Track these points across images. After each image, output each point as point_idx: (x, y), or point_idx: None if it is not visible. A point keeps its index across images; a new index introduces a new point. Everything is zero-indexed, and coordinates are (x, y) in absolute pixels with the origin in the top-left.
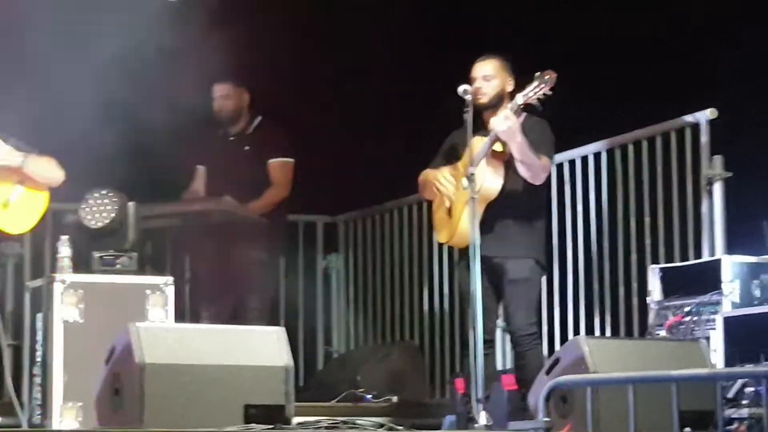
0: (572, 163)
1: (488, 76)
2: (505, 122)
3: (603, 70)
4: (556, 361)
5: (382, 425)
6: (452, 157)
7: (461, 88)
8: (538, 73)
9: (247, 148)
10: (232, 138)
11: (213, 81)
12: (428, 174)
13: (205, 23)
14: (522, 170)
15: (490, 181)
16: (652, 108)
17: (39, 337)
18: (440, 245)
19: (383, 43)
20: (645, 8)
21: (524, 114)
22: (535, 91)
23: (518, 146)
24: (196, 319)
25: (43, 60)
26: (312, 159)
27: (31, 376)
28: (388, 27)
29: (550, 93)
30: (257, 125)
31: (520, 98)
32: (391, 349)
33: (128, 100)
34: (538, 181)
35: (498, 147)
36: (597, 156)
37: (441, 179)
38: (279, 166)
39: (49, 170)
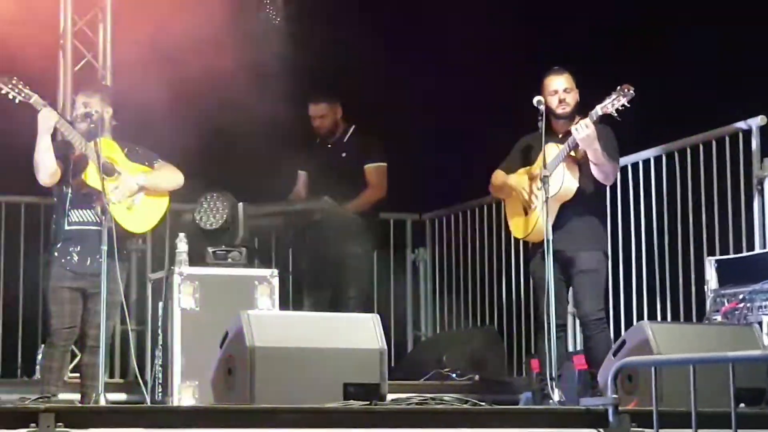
0: (636, 165)
1: (568, 88)
2: (585, 130)
3: (664, 84)
4: (623, 344)
5: (466, 401)
6: (526, 157)
7: (536, 99)
8: (618, 86)
9: (343, 155)
10: (329, 146)
11: (309, 97)
12: (502, 177)
13: (298, 37)
14: (597, 173)
15: (568, 182)
16: (708, 115)
17: (160, 323)
18: (515, 239)
19: (465, 50)
20: (703, 21)
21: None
22: (613, 102)
23: (595, 153)
24: (298, 307)
25: (159, 70)
26: (400, 162)
27: (153, 357)
28: (470, 33)
29: (627, 105)
30: (351, 133)
31: (599, 109)
32: (473, 333)
33: (238, 114)
34: (610, 182)
35: (572, 152)
36: (658, 159)
37: (520, 188)
38: (374, 170)
39: (168, 181)
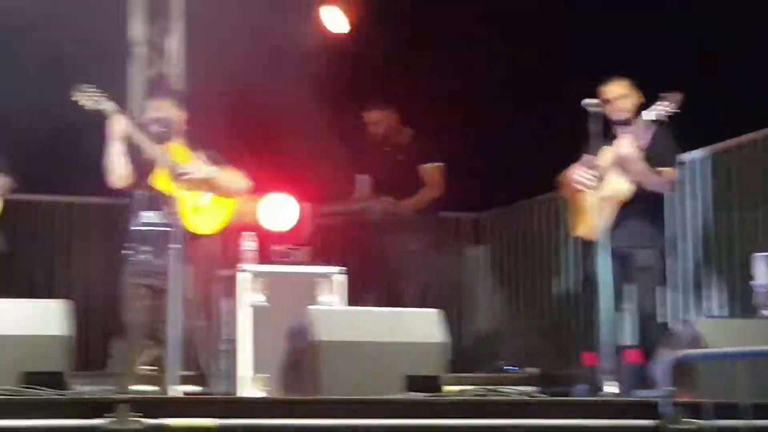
0: (685, 165)
1: (623, 95)
2: (627, 148)
3: (712, 85)
4: (675, 338)
5: (522, 393)
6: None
7: (585, 102)
8: (665, 93)
9: (402, 157)
10: (388, 149)
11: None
12: (567, 174)
13: (358, 43)
14: (646, 186)
15: (624, 183)
16: (755, 115)
17: (228, 318)
18: (571, 236)
19: (523, 51)
20: (750, 22)
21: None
22: (660, 109)
23: (636, 173)
24: (360, 303)
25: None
26: (460, 162)
27: (223, 351)
28: (528, 34)
29: (675, 111)
30: (409, 137)
31: (646, 114)
32: (529, 327)
33: (302, 119)
34: (664, 191)
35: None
36: (707, 159)
37: (578, 176)
38: (432, 170)
39: (235, 182)
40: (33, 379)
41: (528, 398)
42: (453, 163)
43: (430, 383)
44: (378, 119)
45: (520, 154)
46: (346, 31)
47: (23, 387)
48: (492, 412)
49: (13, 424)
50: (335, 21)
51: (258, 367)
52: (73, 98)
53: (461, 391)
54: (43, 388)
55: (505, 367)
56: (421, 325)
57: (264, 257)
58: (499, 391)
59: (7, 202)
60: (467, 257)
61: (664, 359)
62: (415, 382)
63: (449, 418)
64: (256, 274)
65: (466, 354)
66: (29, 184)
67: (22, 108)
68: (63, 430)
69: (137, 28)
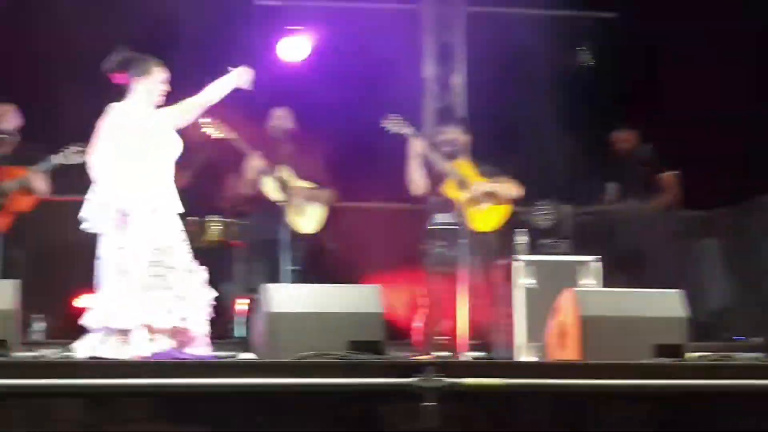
0: None
1: None
2: None
3: None
4: None
5: (749, 359)
6: None
7: None
8: None
9: (643, 168)
10: (631, 161)
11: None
12: None
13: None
14: None
15: None
16: None
17: (505, 298)
18: None
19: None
20: None
21: None
22: None
23: None
24: (612, 285)
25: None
26: (695, 168)
27: (502, 324)
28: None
29: None
30: (649, 152)
31: None
32: (754, 303)
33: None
34: None
35: None
36: None
37: None
38: (668, 178)
39: (510, 191)
40: (358, 346)
41: (754, 362)
42: (688, 168)
43: (675, 350)
44: (624, 138)
45: (754, 153)
46: (593, 64)
47: (351, 352)
48: (726, 374)
49: (342, 381)
50: (585, 57)
51: (530, 337)
52: (383, 125)
53: (700, 357)
54: (365, 353)
55: (734, 338)
56: (666, 303)
57: (533, 249)
58: (731, 357)
59: (331, 209)
60: (701, 247)
61: None
62: (661, 350)
63: (691, 379)
64: (528, 263)
65: (701, 327)
66: (348, 194)
67: (350, 140)
68: (381, 386)
69: (430, 69)
